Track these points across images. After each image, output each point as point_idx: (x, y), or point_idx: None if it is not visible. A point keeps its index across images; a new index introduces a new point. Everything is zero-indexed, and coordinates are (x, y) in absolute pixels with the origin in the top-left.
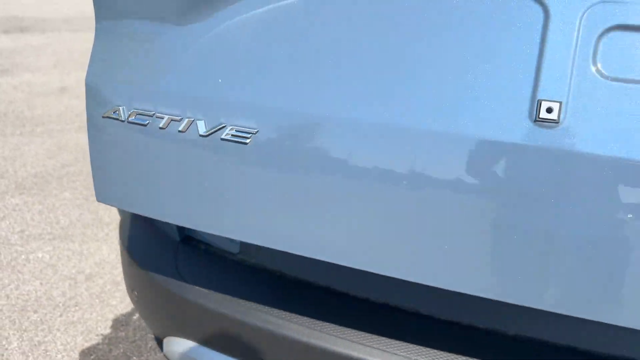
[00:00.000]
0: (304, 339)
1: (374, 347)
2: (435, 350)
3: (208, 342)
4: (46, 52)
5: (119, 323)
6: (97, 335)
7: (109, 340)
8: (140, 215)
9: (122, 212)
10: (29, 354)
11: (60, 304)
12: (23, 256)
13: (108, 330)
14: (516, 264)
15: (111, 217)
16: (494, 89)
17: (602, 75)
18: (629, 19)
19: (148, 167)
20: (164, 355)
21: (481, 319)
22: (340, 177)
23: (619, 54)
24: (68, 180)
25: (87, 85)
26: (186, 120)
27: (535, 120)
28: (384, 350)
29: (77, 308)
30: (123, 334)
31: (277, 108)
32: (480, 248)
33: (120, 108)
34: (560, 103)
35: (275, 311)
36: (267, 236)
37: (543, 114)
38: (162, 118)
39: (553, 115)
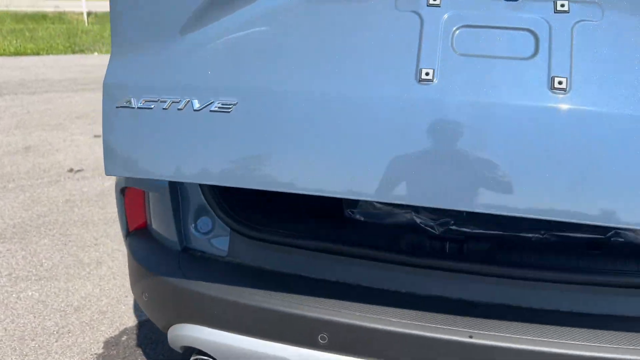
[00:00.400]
0: (280, 308)
1: (323, 307)
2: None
3: (206, 321)
4: (6, 114)
5: (110, 344)
6: (91, 355)
7: (102, 358)
8: (148, 235)
9: (127, 237)
10: None
11: (55, 332)
12: (14, 295)
13: (101, 350)
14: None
15: (90, 259)
16: (395, 64)
17: (455, 52)
18: (469, 21)
19: (153, 139)
20: (169, 344)
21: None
22: (292, 126)
23: (464, 40)
24: (45, 229)
25: (105, 86)
26: (184, 101)
27: (419, 81)
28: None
29: (70, 335)
30: (114, 352)
31: (249, 87)
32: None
33: (132, 99)
34: (433, 70)
35: (255, 290)
36: (249, 179)
37: (423, 77)
38: (166, 101)
39: (429, 77)
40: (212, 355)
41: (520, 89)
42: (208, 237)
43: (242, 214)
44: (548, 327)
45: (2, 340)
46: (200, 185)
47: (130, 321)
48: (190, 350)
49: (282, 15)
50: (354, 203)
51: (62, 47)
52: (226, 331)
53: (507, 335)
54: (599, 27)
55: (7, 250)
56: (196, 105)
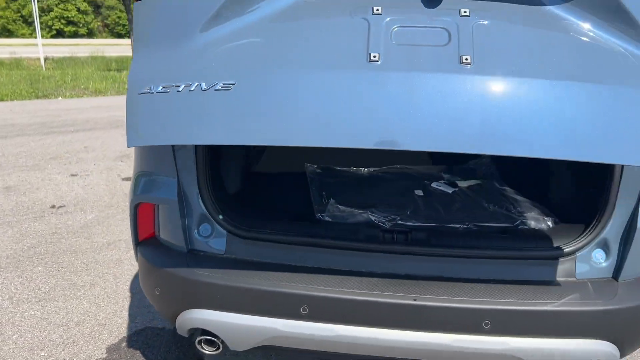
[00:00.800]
0: (270, 288)
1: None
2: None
3: (210, 305)
4: None
5: (112, 350)
6: (96, 359)
7: None
8: (156, 242)
9: (138, 246)
10: None
11: (61, 343)
12: (18, 315)
13: (104, 355)
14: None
15: (84, 282)
16: (352, 51)
17: (393, 42)
18: (402, 23)
19: (169, 114)
20: (177, 329)
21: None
22: (281, 96)
23: (399, 35)
24: (37, 258)
25: (129, 80)
26: (194, 84)
27: (369, 61)
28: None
29: (75, 344)
30: (117, 356)
31: (245, 71)
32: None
33: (152, 86)
34: (379, 53)
35: (248, 273)
36: (245, 137)
37: (372, 58)
38: (180, 86)
39: (376, 58)
40: (216, 333)
41: (439, 64)
42: (208, 240)
43: (236, 220)
44: (471, 290)
45: (14, 351)
46: (201, 197)
47: (128, 331)
48: (194, 336)
49: (270, 22)
50: (323, 209)
51: (26, 92)
52: (227, 311)
53: (441, 297)
54: (490, 26)
55: (5, 278)
56: (204, 86)
